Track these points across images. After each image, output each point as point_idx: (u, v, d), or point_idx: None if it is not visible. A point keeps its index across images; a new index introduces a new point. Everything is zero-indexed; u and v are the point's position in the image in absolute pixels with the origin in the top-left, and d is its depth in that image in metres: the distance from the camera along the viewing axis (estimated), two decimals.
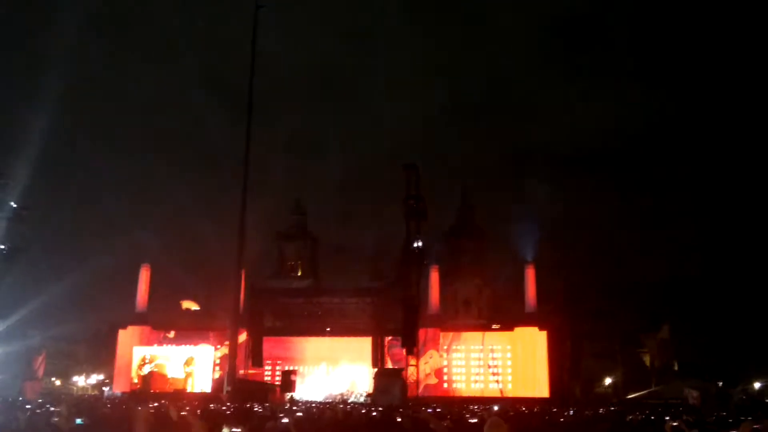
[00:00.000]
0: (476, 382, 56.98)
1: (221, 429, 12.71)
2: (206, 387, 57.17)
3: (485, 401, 48.77)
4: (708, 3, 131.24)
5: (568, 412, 28.77)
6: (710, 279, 74.99)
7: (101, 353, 68.82)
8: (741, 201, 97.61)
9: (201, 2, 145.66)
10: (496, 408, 28.45)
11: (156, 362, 58.44)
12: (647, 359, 74.65)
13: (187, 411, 17.85)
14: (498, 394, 54.83)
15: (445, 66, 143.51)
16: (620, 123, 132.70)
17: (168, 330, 60.54)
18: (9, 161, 53.37)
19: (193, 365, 58.48)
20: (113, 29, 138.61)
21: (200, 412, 18.94)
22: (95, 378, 72.54)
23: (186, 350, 58.99)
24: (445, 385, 57.23)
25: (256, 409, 27.38)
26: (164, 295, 64.06)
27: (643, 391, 62.38)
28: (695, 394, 49.46)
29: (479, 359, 57.38)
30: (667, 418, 19.64)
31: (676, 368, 71.76)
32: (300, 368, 58.75)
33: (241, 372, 55.15)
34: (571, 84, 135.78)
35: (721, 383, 59.73)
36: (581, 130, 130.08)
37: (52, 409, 22.42)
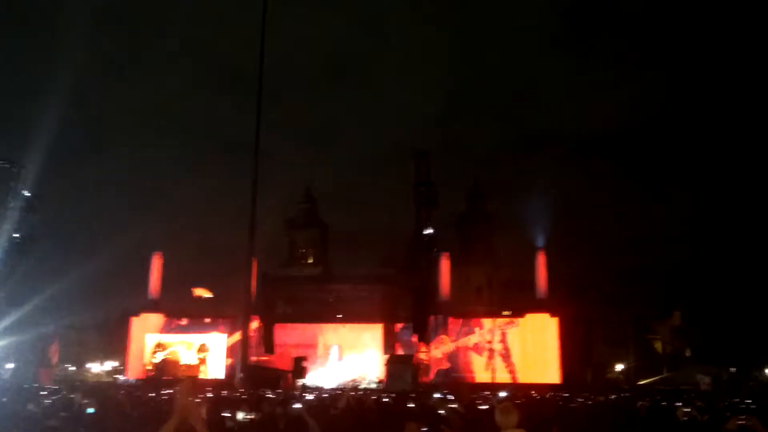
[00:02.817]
0: (487, 368, 57.06)
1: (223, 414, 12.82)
2: (219, 374, 57.60)
3: (496, 387, 48.90)
4: None
5: (579, 399, 28.77)
6: (723, 265, 74.65)
7: (114, 340, 69.35)
8: (755, 186, 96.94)
9: None
10: (503, 394, 28.47)
11: (169, 349, 58.90)
12: (659, 346, 74.51)
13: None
14: (509, 381, 54.95)
15: (455, 52, 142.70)
16: (632, 107, 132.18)
17: (180, 317, 60.93)
18: (21, 150, 53.60)
19: (206, 352, 58.94)
20: (121, 17, 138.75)
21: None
22: (109, 365, 73.17)
23: (199, 337, 59.44)
24: (456, 371, 57.35)
25: (268, 395, 27.57)
26: (176, 282, 64.49)
27: (654, 377, 62.35)
28: (707, 380, 49.42)
29: (490, 345, 57.44)
30: (679, 404, 19.61)
31: (688, 354, 71.63)
32: (311, 355, 59.01)
33: (254, 359, 55.49)
34: (583, 69, 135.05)
35: (733, 369, 59.56)
36: (594, 114, 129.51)
37: (65, 394, 22.67)
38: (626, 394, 37.68)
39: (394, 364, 52.34)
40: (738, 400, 28.16)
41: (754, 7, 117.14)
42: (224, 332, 59.47)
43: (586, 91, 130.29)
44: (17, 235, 51.31)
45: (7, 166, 51.35)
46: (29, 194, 51.80)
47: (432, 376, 55.90)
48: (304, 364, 54.20)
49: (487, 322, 58.12)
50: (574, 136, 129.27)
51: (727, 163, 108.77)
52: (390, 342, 55.94)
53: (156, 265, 61.29)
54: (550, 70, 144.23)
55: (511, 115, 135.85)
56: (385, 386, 49.51)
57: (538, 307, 57.31)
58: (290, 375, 53.20)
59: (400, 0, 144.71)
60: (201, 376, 57.26)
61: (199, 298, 67.03)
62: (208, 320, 60.43)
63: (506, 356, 57.02)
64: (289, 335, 60.67)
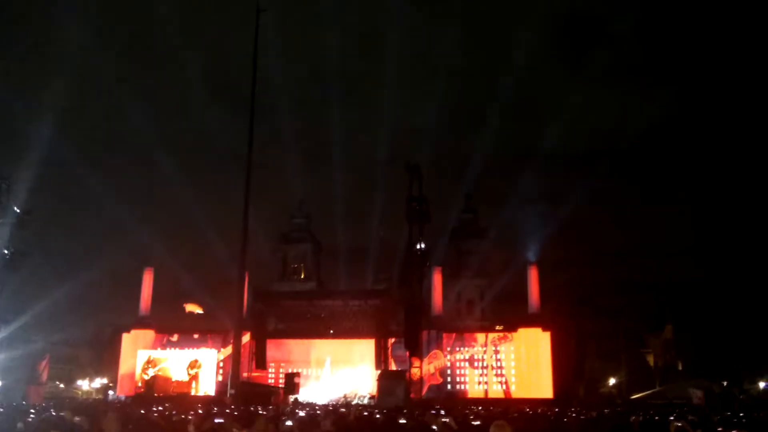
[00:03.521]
0: (480, 383, 56.88)
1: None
2: (210, 390, 57.21)
3: (489, 403, 48.79)
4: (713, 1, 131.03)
5: (572, 413, 28.69)
6: (714, 279, 74.90)
7: (105, 357, 68.89)
8: (746, 202, 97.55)
9: (205, 5, 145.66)
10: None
11: (160, 366, 58.51)
12: (651, 359, 74.62)
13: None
14: (502, 396, 54.81)
15: (448, 66, 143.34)
16: (625, 122, 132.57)
17: (171, 333, 60.60)
18: (11, 165, 53.39)
19: (197, 368, 58.53)
20: (115, 32, 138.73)
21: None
22: (99, 382, 72.58)
23: (190, 353, 59.05)
24: (449, 386, 57.15)
25: (260, 412, 27.36)
26: (168, 298, 64.23)
27: (647, 391, 62.33)
28: (699, 393, 49.37)
29: (483, 360, 57.30)
30: (672, 418, 19.58)
31: (680, 368, 71.71)
32: (303, 371, 58.73)
33: (245, 375, 55.16)
34: (575, 84, 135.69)
35: (725, 383, 59.63)
36: (585, 129, 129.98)
37: (55, 413, 22.42)
38: (619, 409, 37.64)
39: (387, 379, 52.09)
40: (730, 413, 28.19)
41: (750, 21, 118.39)
42: (215, 348, 59.13)
43: (579, 105, 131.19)
44: (6, 251, 50.95)
45: None
46: (19, 210, 51.50)
47: (424, 391, 55.67)
48: (296, 380, 53.91)
49: (480, 337, 58.03)
50: (566, 151, 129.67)
51: (721, 178, 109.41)
52: (382, 357, 55.72)
53: (147, 280, 61.00)
54: (543, 85, 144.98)
55: (503, 129, 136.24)
56: (377, 402, 49.25)
57: (530, 321, 57.26)
58: (282, 391, 52.91)
59: (393, 14, 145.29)
60: (192, 392, 56.90)
61: (191, 313, 66.75)
62: (197, 335, 60.10)
63: (499, 371, 56.90)
64: (281, 351, 60.44)
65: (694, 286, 72.59)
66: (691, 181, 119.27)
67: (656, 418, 23.27)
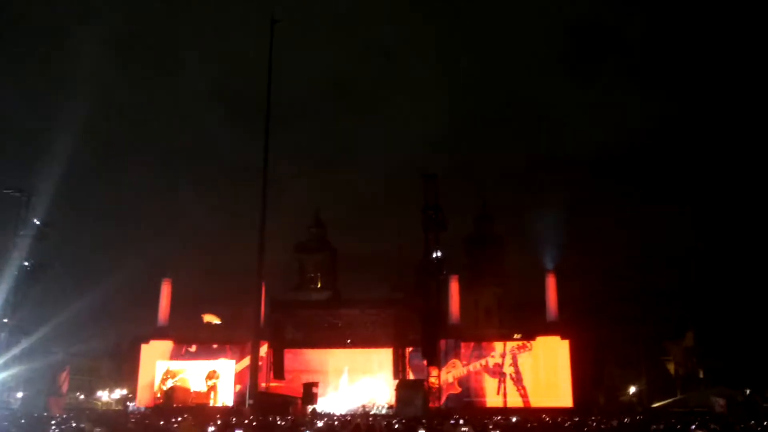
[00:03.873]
0: (498, 392, 56.55)
1: None
2: (228, 400, 57.32)
3: (508, 412, 48.47)
4: (722, 8, 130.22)
5: (592, 422, 28.43)
6: (735, 285, 73.91)
7: (124, 368, 69.27)
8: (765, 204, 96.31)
9: (216, 17, 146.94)
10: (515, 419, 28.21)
11: (179, 376, 58.74)
12: (672, 367, 73.70)
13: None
14: (520, 405, 54.45)
15: (462, 75, 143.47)
16: (642, 127, 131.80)
17: (190, 344, 60.84)
18: (31, 178, 53.94)
19: (215, 379, 58.70)
20: (129, 46, 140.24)
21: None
22: (119, 393, 72.95)
23: (208, 364, 59.23)
24: (467, 396, 56.85)
25: (278, 422, 27.39)
26: (186, 309, 64.47)
27: (668, 399, 61.58)
28: (722, 402, 48.73)
29: (501, 369, 56.98)
30: (693, 427, 19.37)
31: (701, 376, 70.77)
32: (321, 380, 58.66)
33: (263, 385, 55.23)
34: (591, 89, 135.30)
35: (748, 391, 58.77)
36: (603, 135, 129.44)
37: (75, 424, 22.59)
38: (640, 417, 37.26)
39: (405, 389, 51.92)
40: (754, 422, 27.79)
41: (753, 28, 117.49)
42: (233, 358, 59.26)
43: (595, 111, 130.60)
44: (27, 263, 51.45)
45: (17, 194, 51.67)
46: (39, 222, 52.01)
47: (443, 400, 55.43)
48: (314, 389, 53.89)
49: (498, 346, 57.75)
50: (583, 157, 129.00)
51: (740, 180, 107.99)
52: (400, 366, 55.58)
53: (165, 291, 61.37)
54: (558, 91, 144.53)
55: (519, 136, 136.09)
56: (396, 411, 49.12)
57: (548, 329, 56.91)
58: (300, 401, 52.89)
59: (406, 25, 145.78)
60: (210, 403, 57.04)
61: (209, 324, 66.96)
62: (215, 346, 60.30)
63: (518, 380, 56.56)
64: (298, 360, 60.44)
65: (715, 292, 71.74)
66: (712, 185, 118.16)
67: (678, 426, 23.01)
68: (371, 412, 50.91)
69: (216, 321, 67.64)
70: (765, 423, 27.30)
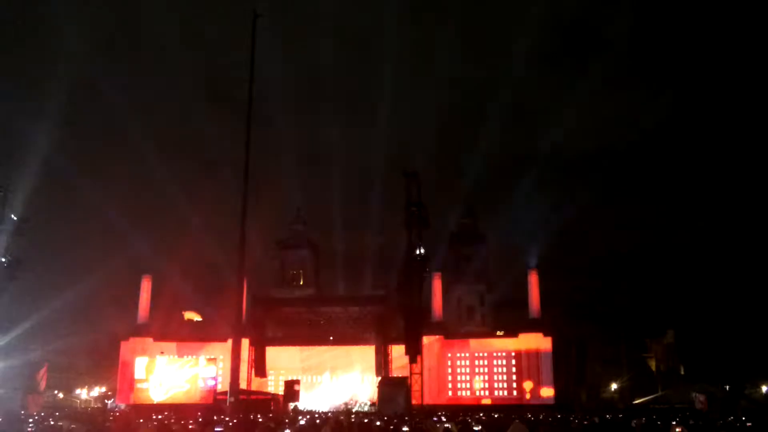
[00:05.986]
0: (481, 389, 56.62)
1: None
2: (209, 398, 56.79)
3: (490, 408, 48.55)
4: (709, 6, 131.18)
5: (574, 419, 28.46)
6: (715, 283, 74.61)
7: (103, 365, 68.53)
8: (747, 205, 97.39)
9: (199, 8, 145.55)
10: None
11: (158, 373, 58.11)
12: (653, 364, 74.32)
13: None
14: (503, 401, 54.54)
15: (446, 71, 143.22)
16: (625, 126, 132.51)
17: (170, 341, 60.27)
18: (8, 174, 53.09)
19: (195, 376, 58.15)
20: (109, 37, 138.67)
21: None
22: (98, 390, 72.21)
23: (188, 361, 58.67)
24: (450, 392, 56.86)
25: (259, 420, 27.14)
26: (166, 306, 63.75)
27: (649, 396, 62.04)
28: (702, 398, 49.09)
29: (484, 366, 57.03)
30: (674, 422, 19.40)
31: (682, 373, 71.41)
32: (303, 378, 58.40)
33: (244, 382, 54.82)
34: (573, 87, 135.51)
35: (728, 387, 59.36)
36: (586, 133, 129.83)
37: (53, 422, 22.23)
38: (621, 414, 37.40)
39: (387, 386, 51.82)
40: (733, 418, 27.97)
41: (744, 26, 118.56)
42: (213, 355, 58.76)
43: (579, 109, 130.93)
44: (3, 259, 50.67)
45: None
46: (17, 218, 51.23)
47: (425, 397, 55.34)
48: (296, 387, 53.60)
49: (481, 343, 57.79)
50: (566, 155, 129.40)
51: (722, 180, 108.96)
52: (382, 363, 55.43)
53: (145, 288, 60.75)
54: (541, 89, 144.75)
55: (503, 134, 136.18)
56: (378, 408, 49.03)
57: (531, 326, 57.00)
58: (282, 398, 52.58)
59: (390, 18, 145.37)
60: (190, 401, 56.49)
61: (189, 321, 66.43)
62: (196, 343, 59.78)
63: (500, 377, 56.61)
64: (280, 358, 60.11)
65: (696, 291, 72.40)
66: (691, 184, 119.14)
67: (658, 422, 23.06)
68: (353, 410, 50.72)
69: (197, 318, 67.09)
70: (743, 418, 27.49)
